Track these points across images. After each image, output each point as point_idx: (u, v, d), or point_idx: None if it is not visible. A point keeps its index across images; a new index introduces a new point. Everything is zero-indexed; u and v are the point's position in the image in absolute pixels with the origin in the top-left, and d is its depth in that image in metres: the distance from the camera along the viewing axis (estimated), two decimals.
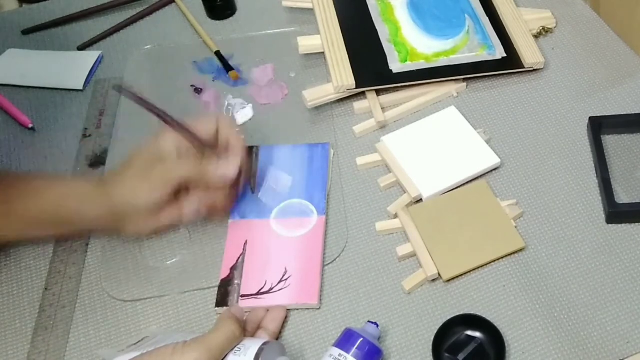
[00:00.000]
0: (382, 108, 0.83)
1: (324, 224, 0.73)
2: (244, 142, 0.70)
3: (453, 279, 0.69)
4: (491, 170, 0.78)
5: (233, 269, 0.70)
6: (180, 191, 0.67)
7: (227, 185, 0.69)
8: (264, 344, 0.57)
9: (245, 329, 0.63)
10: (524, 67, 0.86)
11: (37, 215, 0.67)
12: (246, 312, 0.66)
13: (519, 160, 0.79)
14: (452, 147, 0.78)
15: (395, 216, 0.74)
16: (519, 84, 0.87)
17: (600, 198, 0.75)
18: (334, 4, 0.90)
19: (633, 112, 0.82)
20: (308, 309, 0.68)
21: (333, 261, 0.71)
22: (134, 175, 0.66)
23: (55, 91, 0.88)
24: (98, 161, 0.80)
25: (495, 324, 0.64)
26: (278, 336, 0.65)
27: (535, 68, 0.87)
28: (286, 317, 0.67)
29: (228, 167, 0.67)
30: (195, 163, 0.67)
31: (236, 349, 0.57)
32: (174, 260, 0.72)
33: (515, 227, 0.72)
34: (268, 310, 0.66)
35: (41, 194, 0.67)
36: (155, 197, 0.66)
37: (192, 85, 0.88)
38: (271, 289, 0.68)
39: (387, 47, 0.86)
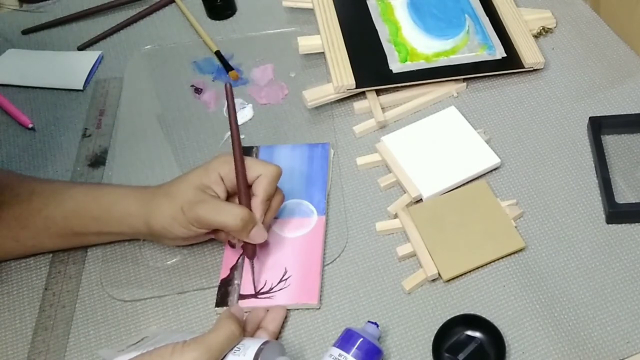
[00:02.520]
0: (382, 108, 0.83)
1: (324, 224, 0.73)
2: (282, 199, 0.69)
3: (453, 279, 0.69)
4: (491, 170, 0.78)
5: (233, 269, 0.70)
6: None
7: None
8: (264, 343, 0.57)
9: (245, 329, 0.63)
10: (524, 67, 0.86)
11: (78, 231, 0.68)
12: (246, 312, 0.66)
13: (519, 160, 0.79)
14: (452, 147, 0.78)
15: (395, 216, 0.74)
16: (519, 84, 0.87)
17: (600, 198, 0.75)
18: (334, 4, 0.90)
19: (633, 112, 0.82)
20: (308, 309, 0.68)
21: (333, 261, 0.71)
22: (174, 208, 0.64)
23: (55, 91, 0.88)
24: (98, 161, 0.80)
25: (495, 324, 0.64)
26: (278, 336, 0.65)
27: (535, 68, 0.87)
28: (286, 317, 0.67)
29: (262, 234, 0.66)
30: (234, 214, 0.63)
31: (235, 348, 0.57)
32: (174, 260, 0.72)
33: (515, 227, 0.72)
34: (268, 310, 0.66)
35: (84, 208, 0.67)
36: (191, 234, 0.66)
37: (192, 85, 0.88)
38: (271, 289, 0.68)
39: (387, 47, 0.86)
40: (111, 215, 0.67)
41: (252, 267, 0.68)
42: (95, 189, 0.69)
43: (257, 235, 0.65)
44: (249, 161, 0.66)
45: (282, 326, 0.66)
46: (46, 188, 0.69)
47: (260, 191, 0.66)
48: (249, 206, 0.66)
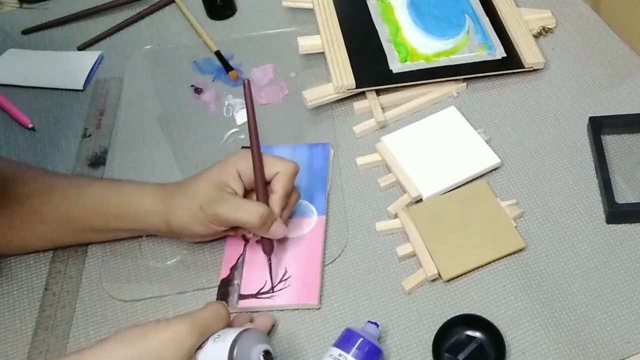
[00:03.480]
0: (382, 108, 0.83)
1: (324, 224, 0.73)
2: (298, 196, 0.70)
3: (453, 279, 0.69)
4: (491, 170, 0.78)
5: (233, 269, 0.70)
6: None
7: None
8: (243, 330, 0.57)
9: None
10: (524, 67, 0.86)
11: (97, 227, 0.68)
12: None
13: (519, 160, 0.79)
14: (452, 147, 0.78)
15: (395, 216, 0.74)
16: (519, 84, 0.87)
17: (600, 198, 0.75)
18: (334, 4, 0.90)
19: (633, 112, 0.82)
20: (308, 309, 0.68)
21: (333, 261, 0.71)
22: (193, 207, 0.64)
23: (55, 91, 0.88)
24: (98, 161, 0.80)
25: (495, 324, 0.64)
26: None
27: (535, 68, 0.87)
28: (286, 317, 0.67)
29: (282, 229, 0.66)
30: (253, 212, 0.64)
31: (216, 335, 0.57)
32: (174, 260, 0.72)
33: (515, 227, 0.72)
34: (252, 321, 0.65)
35: (103, 204, 0.67)
36: (209, 232, 0.66)
37: (192, 85, 0.88)
38: (271, 289, 0.68)
39: (387, 47, 0.86)
40: (130, 212, 0.67)
41: (270, 264, 0.68)
42: (114, 185, 0.70)
43: (277, 231, 0.66)
44: (266, 158, 0.66)
45: (283, 326, 0.66)
46: (66, 183, 0.69)
47: (278, 188, 0.66)
48: (267, 202, 0.66)
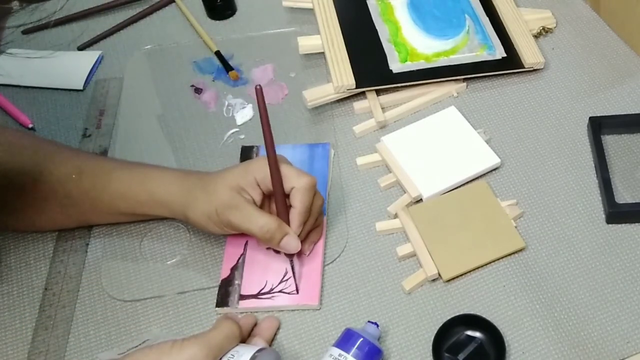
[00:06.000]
0: (382, 108, 0.83)
1: (324, 224, 0.73)
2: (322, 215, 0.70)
3: (453, 279, 0.69)
4: (491, 170, 0.78)
5: (233, 269, 0.70)
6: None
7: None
8: (258, 351, 0.57)
9: None
10: (524, 67, 0.86)
11: (124, 211, 0.70)
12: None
13: (519, 160, 0.79)
14: (452, 147, 0.78)
15: (395, 216, 0.74)
16: (519, 84, 0.87)
17: (600, 198, 0.75)
18: (334, 4, 0.90)
19: (633, 112, 0.82)
20: (308, 309, 0.68)
21: (333, 261, 0.71)
22: (209, 208, 0.65)
23: (55, 91, 0.88)
24: None
25: (495, 324, 0.64)
26: (271, 343, 0.65)
27: (535, 68, 0.87)
28: (286, 317, 0.67)
29: (294, 244, 0.66)
30: (260, 225, 0.64)
31: (229, 354, 0.57)
32: (174, 260, 0.72)
33: (515, 227, 0.72)
34: (257, 323, 0.66)
35: (130, 191, 0.69)
36: (222, 233, 0.68)
37: (192, 85, 0.88)
38: (271, 289, 0.68)
39: (387, 47, 0.86)
40: (154, 199, 0.68)
41: (293, 267, 0.68)
42: (141, 171, 0.70)
43: (288, 245, 0.66)
44: (284, 170, 0.65)
45: (283, 326, 0.67)
46: (94, 167, 0.70)
47: (297, 203, 0.66)
48: (285, 215, 0.66)
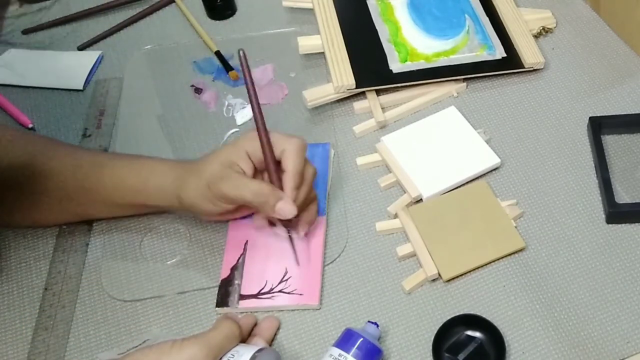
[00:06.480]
0: (382, 108, 0.83)
1: (324, 224, 0.73)
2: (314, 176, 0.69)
3: (453, 279, 0.69)
4: (491, 170, 0.78)
5: (233, 269, 0.70)
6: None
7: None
8: (258, 351, 0.57)
9: None
10: (524, 67, 0.86)
11: (119, 202, 0.70)
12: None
13: (519, 160, 0.79)
14: (452, 147, 0.78)
15: (395, 216, 0.74)
16: (519, 84, 0.87)
17: (600, 198, 0.75)
18: (334, 4, 0.90)
19: (633, 112, 0.82)
20: (308, 309, 0.68)
21: (333, 261, 0.71)
22: (201, 184, 0.65)
23: (55, 91, 0.88)
24: None
25: (495, 324, 0.64)
26: (271, 343, 0.65)
27: (535, 68, 0.87)
28: (286, 317, 0.67)
29: (289, 208, 0.65)
30: (251, 190, 0.64)
31: (229, 354, 0.57)
32: (174, 260, 0.72)
33: (515, 227, 0.72)
34: (257, 322, 0.66)
35: (124, 182, 0.69)
36: (217, 210, 0.67)
37: (192, 85, 0.88)
38: (271, 289, 0.68)
39: (387, 47, 0.86)
40: (148, 188, 0.68)
41: (291, 239, 0.68)
42: (135, 162, 0.71)
43: (282, 210, 0.64)
44: (273, 136, 0.66)
45: (283, 326, 0.67)
46: (90, 160, 0.71)
47: (289, 165, 0.65)
48: (278, 182, 0.66)
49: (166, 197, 0.68)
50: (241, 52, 0.63)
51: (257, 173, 0.67)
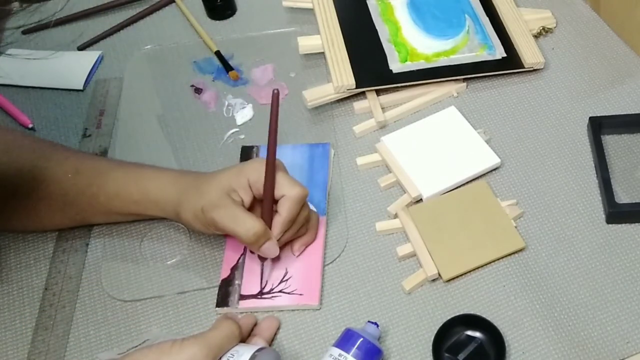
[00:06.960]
0: (382, 108, 0.83)
1: (324, 224, 0.73)
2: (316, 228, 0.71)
3: (453, 279, 0.69)
4: (491, 170, 0.78)
5: (234, 269, 0.70)
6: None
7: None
8: (258, 350, 0.57)
9: None
10: (524, 67, 0.86)
11: (119, 211, 0.70)
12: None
13: (519, 160, 0.79)
14: (452, 147, 0.78)
15: (395, 216, 0.74)
16: (519, 84, 0.87)
17: (600, 198, 0.75)
18: (334, 4, 0.90)
19: (633, 112, 0.82)
20: (308, 309, 0.68)
21: (333, 261, 0.71)
22: (197, 207, 0.65)
23: (55, 91, 0.88)
24: None
25: (495, 324, 0.64)
26: (271, 343, 0.65)
27: (535, 68, 0.87)
28: (286, 317, 0.67)
29: (274, 250, 0.66)
30: (247, 227, 0.63)
31: (229, 354, 0.57)
32: (174, 260, 0.72)
33: (515, 227, 0.72)
34: (257, 322, 0.66)
35: (125, 191, 0.69)
36: (209, 233, 0.68)
37: (192, 85, 0.88)
38: (272, 289, 0.68)
39: (387, 47, 0.86)
40: (149, 199, 0.68)
41: (262, 269, 0.69)
42: (136, 171, 0.70)
43: (268, 251, 0.66)
44: (279, 177, 0.66)
45: (283, 326, 0.67)
46: (91, 167, 0.71)
47: (283, 213, 0.65)
48: (269, 220, 0.66)
49: (165, 210, 0.68)
50: (275, 91, 0.64)
51: (255, 203, 0.67)
